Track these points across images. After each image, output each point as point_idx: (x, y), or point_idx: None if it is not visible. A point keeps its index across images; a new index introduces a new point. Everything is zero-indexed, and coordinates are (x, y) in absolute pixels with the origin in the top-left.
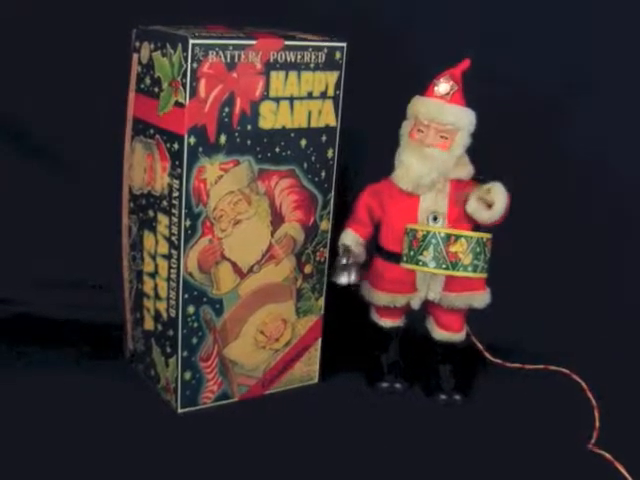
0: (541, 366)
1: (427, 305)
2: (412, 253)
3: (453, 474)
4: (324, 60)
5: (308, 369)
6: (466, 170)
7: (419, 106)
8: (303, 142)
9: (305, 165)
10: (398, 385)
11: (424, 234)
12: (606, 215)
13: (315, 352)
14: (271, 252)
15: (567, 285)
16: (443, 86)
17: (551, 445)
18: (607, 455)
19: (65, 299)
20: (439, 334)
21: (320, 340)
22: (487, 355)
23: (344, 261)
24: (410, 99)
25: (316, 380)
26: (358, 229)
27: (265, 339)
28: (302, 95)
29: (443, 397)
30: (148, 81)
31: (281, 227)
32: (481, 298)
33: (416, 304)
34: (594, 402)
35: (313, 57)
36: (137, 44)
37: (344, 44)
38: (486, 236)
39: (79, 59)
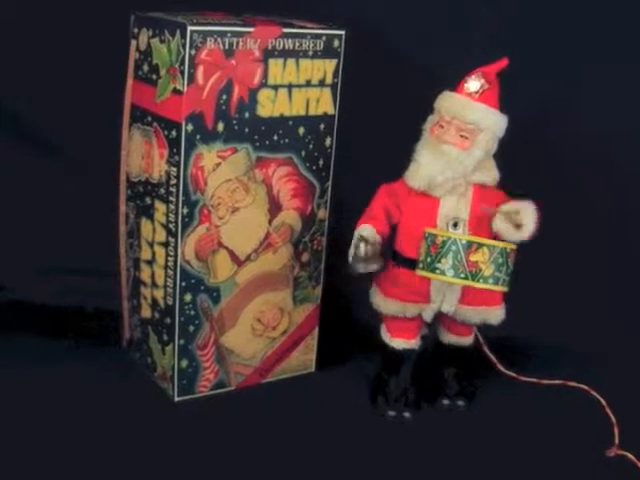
0: (558, 381)
1: (439, 316)
2: (429, 260)
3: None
4: (322, 48)
5: (305, 358)
6: (491, 175)
7: (444, 101)
8: (301, 130)
9: (303, 153)
10: (407, 415)
11: (444, 240)
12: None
13: (312, 341)
14: (268, 240)
15: (587, 299)
16: (473, 84)
17: (567, 461)
18: (630, 456)
19: (61, 286)
20: (447, 337)
21: (317, 329)
22: (500, 367)
23: (362, 252)
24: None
25: (313, 369)
26: (375, 224)
27: (262, 327)
28: (300, 83)
29: (446, 402)
30: (146, 68)
31: (279, 215)
32: (497, 314)
33: (428, 316)
34: (614, 419)
35: (311, 45)
36: (135, 30)
37: (342, 32)
38: (510, 247)
39: (77, 45)
